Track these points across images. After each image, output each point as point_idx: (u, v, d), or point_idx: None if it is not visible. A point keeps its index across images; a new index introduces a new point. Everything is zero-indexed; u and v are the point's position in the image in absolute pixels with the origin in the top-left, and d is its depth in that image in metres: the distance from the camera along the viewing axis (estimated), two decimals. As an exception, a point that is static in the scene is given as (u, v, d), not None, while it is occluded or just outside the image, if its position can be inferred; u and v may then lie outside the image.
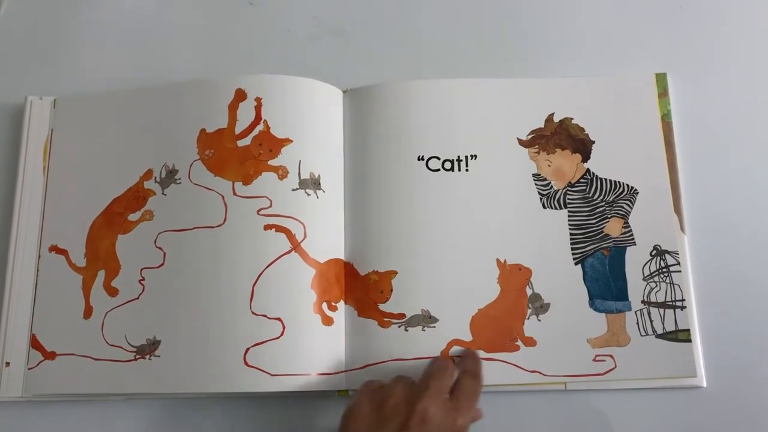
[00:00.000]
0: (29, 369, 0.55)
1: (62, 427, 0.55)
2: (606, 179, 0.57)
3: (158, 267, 0.55)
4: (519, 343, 0.53)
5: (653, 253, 0.55)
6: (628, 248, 0.55)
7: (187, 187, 0.56)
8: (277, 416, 0.54)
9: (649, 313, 0.54)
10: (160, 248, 0.55)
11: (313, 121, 0.57)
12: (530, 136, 0.58)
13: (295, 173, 0.55)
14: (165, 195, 0.57)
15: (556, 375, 0.53)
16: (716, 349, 0.53)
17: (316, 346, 0.53)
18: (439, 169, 0.57)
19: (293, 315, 0.53)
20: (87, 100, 0.61)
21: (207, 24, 0.65)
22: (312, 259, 0.54)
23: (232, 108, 0.57)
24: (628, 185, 0.57)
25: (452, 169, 0.57)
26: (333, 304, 0.54)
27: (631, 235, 0.56)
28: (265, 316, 0.52)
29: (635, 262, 0.55)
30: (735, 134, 0.59)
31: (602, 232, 0.56)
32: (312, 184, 0.56)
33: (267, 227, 0.54)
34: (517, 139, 0.58)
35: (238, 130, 0.57)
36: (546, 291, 0.54)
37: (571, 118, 0.58)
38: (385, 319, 0.54)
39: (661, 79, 0.59)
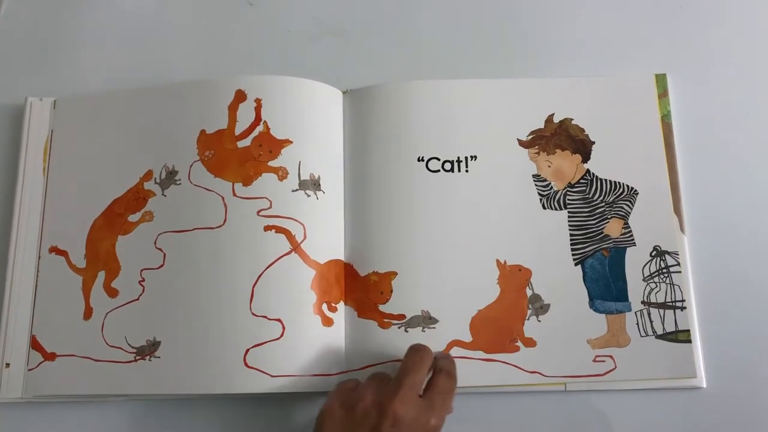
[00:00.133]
0: (29, 370, 0.55)
1: (62, 428, 0.55)
2: (606, 180, 0.57)
3: (158, 268, 0.55)
4: (519, 343, 0.53)
5: (653, 254, 0.55)
6: (628, 249, 0.55)
7: (187, 188, 0.56)
8: (277, 417, 0.54)
9: (649, 314, 0.54)
10: (160, 249, 0.55)
11: (313, 121, 0.57)
12: (530, 137, 0.58)
13: (295, 174, 0.55)
14: (165, 196, 0.57)
15: (556, 376, 0.53)
16: (716, 349, 0.53)
17: (316, 347, 0.53)
18: (439, 170, 0.57)
19: (293, 316, 0.53)
20: (87, 100, 0.61)
21: (207, 24, 0.65)
22: (312, 260, 0.54)
23: (232, 109, 0.57)
24: (628, 186, 0.57)
25: (452, 169, 0.57)
26: (333, 305, 0.54)
27: (631, 235, 0.56)
28: (265, 317, 0.52)
29: (635, 262, 0.55)
30: (735, 135, 0.59)
31: (602, 232, 0.56)
32: (312, 185, 0.56)
33: (267, 228, 0.54)
34: (517, 139, 0.58)
35: (238, 131, 0.57)
36: (546, 292, 0.54)
37: (571, 119, 0.58)
38: (385, 320, 0.54)
39: (660, 80, 0.59)
